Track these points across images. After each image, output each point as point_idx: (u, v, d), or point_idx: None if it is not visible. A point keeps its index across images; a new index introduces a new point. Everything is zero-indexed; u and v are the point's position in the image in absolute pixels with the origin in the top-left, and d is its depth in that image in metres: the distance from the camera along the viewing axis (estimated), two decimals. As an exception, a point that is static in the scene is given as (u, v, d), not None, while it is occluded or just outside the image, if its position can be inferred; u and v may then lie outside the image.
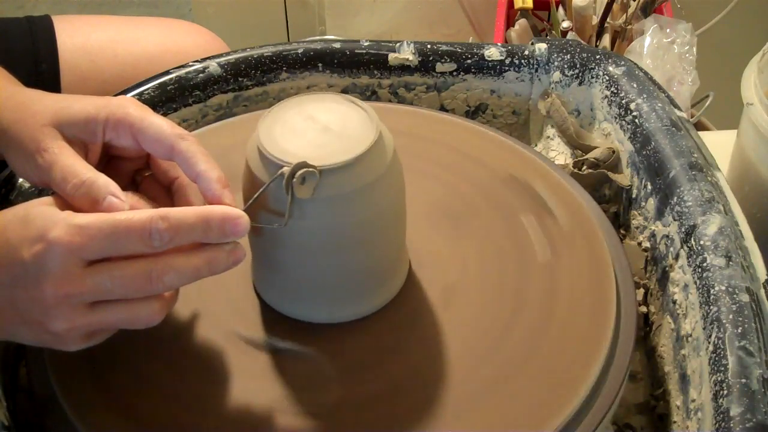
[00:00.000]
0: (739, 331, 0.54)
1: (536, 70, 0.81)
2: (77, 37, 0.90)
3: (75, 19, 0.93)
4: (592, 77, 0.78)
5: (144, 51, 0.92)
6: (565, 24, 1.29)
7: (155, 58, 0.91)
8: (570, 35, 1.27)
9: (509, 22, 1.38)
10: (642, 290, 0.68)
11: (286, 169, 0.52)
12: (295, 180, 0.52)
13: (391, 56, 0.81)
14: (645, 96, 0.73)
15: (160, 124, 0.55)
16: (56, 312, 0.49)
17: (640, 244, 0.70)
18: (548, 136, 0.82)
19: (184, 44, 0.94)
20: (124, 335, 0.57)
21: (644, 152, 0.70)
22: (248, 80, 0.80)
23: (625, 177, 0.74)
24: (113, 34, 0.93)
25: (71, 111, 0.55)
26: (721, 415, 0.51)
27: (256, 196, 0.53)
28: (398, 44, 0.81)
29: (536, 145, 0.84)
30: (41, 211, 0.49)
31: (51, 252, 0.47)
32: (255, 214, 0.54)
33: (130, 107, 0.56)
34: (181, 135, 0.55)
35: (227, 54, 0.80)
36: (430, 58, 0.81)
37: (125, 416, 0.54)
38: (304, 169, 0.52)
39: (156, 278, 0.49)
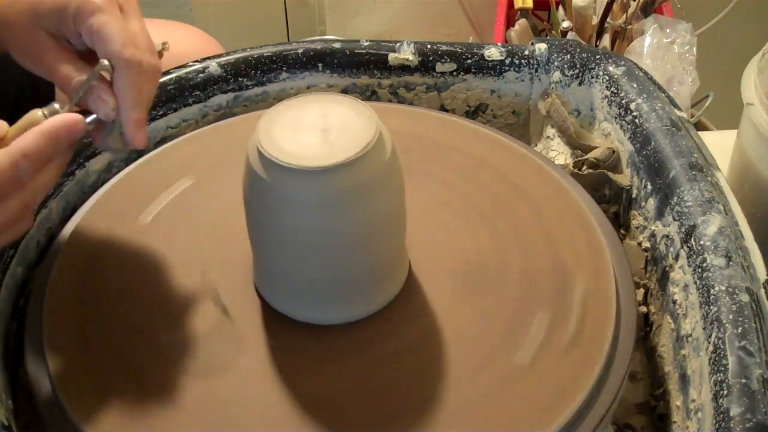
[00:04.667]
0: (739, 331, 0.54)
1: (536, 70, 0.81)
2: None
3: None
4: (592, 77, 0.78)
5: None
6: (565, 24, 1.29)
7: None
8: (570, 35, 1.27)
9: (509, 22, 1.38)
10: (642, 290, 0.68)
11: (106, 62, 0.55)
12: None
13: (391, 56, 0.81)
14: (645, 96, 0.73)
15: (114, 40, 0.55)
16: None
17: (640, 244, 0.70)
18: (548, 136, 0.82)
19: (179, 46, 0.93)
20: (124, 336, 0.57)
21: (644, 152, 0.70)
22: (248, 80, 0.80)
23: (625, 177, 0.74)
24: None
25: (45, 6, 0.57)
26: (721, 415, 0.51)
27: (80, 94, 0.55)
28: (398, 44, 0.81)
29: (536, 145, 0.84)
30: None
31: None
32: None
33: (95, 7, 0.56)
34: (128, 62, 0.55)
35: (227, 54, 0.80)
36: (430, 58, 0.81)
37: (125, 417, 0.54)
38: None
39: (32, 203, 0.53)
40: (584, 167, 0.75)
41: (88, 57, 0.58)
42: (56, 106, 0.55)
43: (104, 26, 0.55)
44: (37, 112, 0.54)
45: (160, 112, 0.77)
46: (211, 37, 0.99)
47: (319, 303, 0.59)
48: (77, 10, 0.56)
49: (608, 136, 0.77)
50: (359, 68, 0.81)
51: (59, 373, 0.56)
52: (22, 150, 0.51)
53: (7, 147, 0.51)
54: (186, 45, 0.94)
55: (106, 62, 0.55)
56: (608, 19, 1.25)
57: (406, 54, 0.81)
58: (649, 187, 0.69)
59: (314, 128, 0.55)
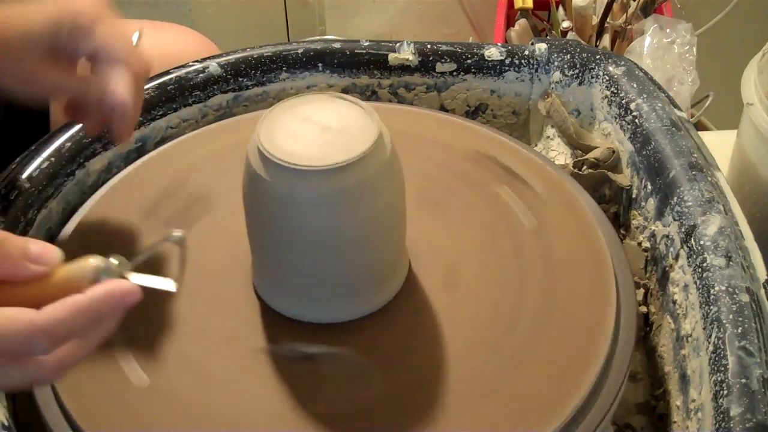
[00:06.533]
0: (739, 331, 0.54)
1: (536, 70, 0.81)
2: None
3: None
4: (592, 77, 0.78)
5: None
6: (565, 24, 1.29)
7: None
8: (570, 35, 1.27)
9: (509, 22, 1.38)
10: (642, 290, 0.68)
11: (180, 234, 0.50)
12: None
13: (391, 56, 0.81)
14: (645, 96, 0.73)
15: (117, 52, 0.57)
16: None
17: (640, 244, 0.70)
18: (548, 136, 0.82)
19: (174, 47, 0.93)
20: (124, 336, 0.57)
21: (644, 152, 0.70)
22: (248, 80, 0.80)
23: (625, 177, 0.74)
24: None
25: (37, 25, 0.57)
26: (721, 415, 0.51)
27: (145, 256, 0.50)
28: (398, 44, 0.81)
29: (536, 145, 0.84)
30: None
31: None
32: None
33: (86, 29, 0.57)
34: (136, 72, 0.57)
35: (227, 54, 0.80)
36: (430, 58, 0.81)
37: (125, 417, 0.54)
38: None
39: (47, 380, 0.47)
40: (584, 167, 0.75)
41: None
42: (114, 261, 0.47)
43: (107, 39, 0.57)
44: (89, 262, 0.47)
45: (160, 112, 0.77)
46: (207, 38, 0.99)
47: (319, 303, 0.59)
48: (73, 24, 0.57)
49: (608, 136, 0.77)
50: (359, 68, 0.81)
51: (59, 373, 0.56)
52: (44, 326, 0.44)
53: (32, 315, 0.44)
54: (182, 47, 0.94)
55: (176, 234, 0.50)
56: (608, 19, 1.25)
57: (406, 54, 0.81)
58: (649, 187, 0.69)
59: (314, 128, 0.55)
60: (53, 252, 0.47)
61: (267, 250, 0.58)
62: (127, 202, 0.68)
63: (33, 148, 0.70)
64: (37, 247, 0.47)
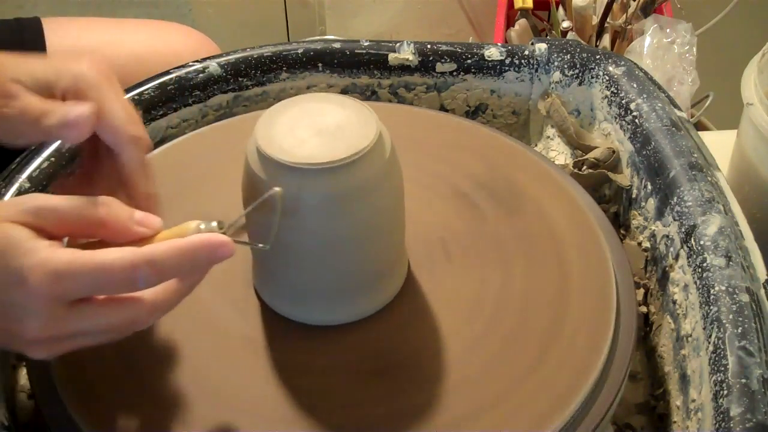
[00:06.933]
0: (739, 331, 0.54)
1: (536, 70, 0.81)
2: (66, 39, 0.90)
3: (64, 21, 0.93)
4: (592, 77, 0.78)
5: (133, 53, 0.91)
6: (565, 24, 1.29)
7: (144, 59, 0.91)
8: (570, 35, 1.27)
9: (509, 22, 1.38)
10: (642, 290, 0.69)
11: (278, 190, 0.51)
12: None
13: (391, 56, 0.81)
14: (645, 96, 0.73)
15: (117, 121, 0.53)
16: (36, 347, 0.49)
17: (640, 244, 0.70)
18: (548, 136, 0.82)
19: (174, 46, 0.94)
20: (126, 337, 0.57)
21: (644, 152, 0.70)
22: (248, 80, 0.80)
23: (625, 177, 0.74)
24: (103, 36, 0.93)
25: (34, 76, 0.54)
26: (721, 415, 0.51)
27: (241, 215, 0.52)
28: (398, 44, 0.81)
29: (536, 145, 0.84)
30: (17, 241, 0.47)
31: (31, 298, 0.46)
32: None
33: (91, 85, 0.54)
34: (134, 139, 0.54)
35: (227, 54, 0.80)
36: (430, 58, 0.81)
37: (126, 417, 0.54)
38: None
39: (141, 323, 0.50)
40: (584, 167, 0.75)
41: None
42: (214, 224, 0.50)
43: (105, 103, 0.53)
44: (191, 224, 0.50)
45: (161, 112, 0.77)
46: (207, 36, 0.99)
47: (319, 304, 0.59)
48: (71, 84, 0.54)
49: (608, 136, 0.77)
50: (359, 68, 0.81)
51: (59, 372, 0.56)
52: (148, 256, 0.47)
53: (136, 248, 0.48)
54: (182, 46, 0.94)
55: (274, 191, 0.52)
56: (608, 19, 1.25)
57: (406, 54, 0.81)
58: (649, 187, 0.69)
59: (313, 128, 0.55)
60: (156, 217, 0.51)
61: (265, 252, 0.58)
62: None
63: (33, 148, 0.70)
64: (141, 212, 0.51)
